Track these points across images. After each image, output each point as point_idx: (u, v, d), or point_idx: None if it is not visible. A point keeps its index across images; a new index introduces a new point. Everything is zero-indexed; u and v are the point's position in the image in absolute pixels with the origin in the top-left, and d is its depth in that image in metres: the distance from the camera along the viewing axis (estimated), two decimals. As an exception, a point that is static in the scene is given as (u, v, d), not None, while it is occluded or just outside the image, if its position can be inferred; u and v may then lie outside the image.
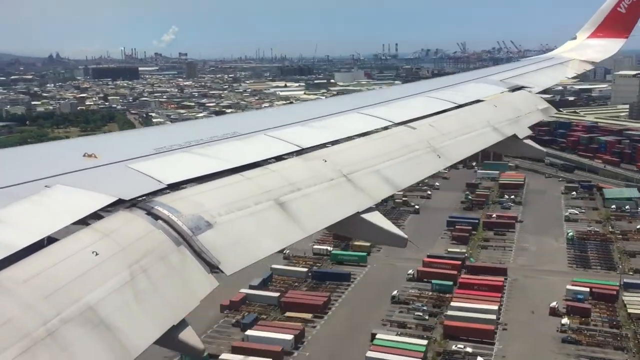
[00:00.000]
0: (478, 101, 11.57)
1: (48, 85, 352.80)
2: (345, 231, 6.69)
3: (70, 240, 4.35)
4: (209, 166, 6.13)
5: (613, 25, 19.16)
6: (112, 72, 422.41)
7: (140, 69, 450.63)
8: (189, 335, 4.32)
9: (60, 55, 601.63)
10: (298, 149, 7.21)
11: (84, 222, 4.62)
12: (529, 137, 11.08)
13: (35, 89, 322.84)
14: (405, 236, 6.80)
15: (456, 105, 10.85)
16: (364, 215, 6.48)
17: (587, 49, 18.94)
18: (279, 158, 6.84)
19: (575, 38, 19.97)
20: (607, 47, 19.03)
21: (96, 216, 4.73)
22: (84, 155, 5.97)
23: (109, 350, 3.76)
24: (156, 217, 4.88)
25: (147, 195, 5.19)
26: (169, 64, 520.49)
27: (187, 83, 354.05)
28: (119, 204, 4.95)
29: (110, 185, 5.23)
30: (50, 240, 4.26)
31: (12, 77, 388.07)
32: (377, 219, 6.55)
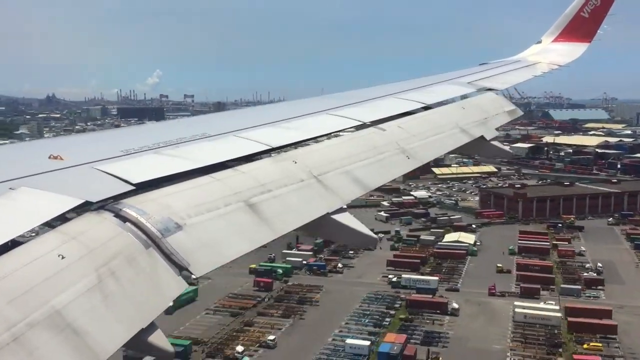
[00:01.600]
0: (446, 102, 11.72)
1: (88, 123, 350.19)
2: (316, 232, 6.71)
3: (35, 243, 4.27)
4: (178, 167, 6.08)
5: (577, 29, 19.54)
6: (138, 112, 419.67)
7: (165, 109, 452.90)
8: (158, 338, 4.28)
9: (57, 96, 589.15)
10: (268, 148, 7.20)
11: (49, 224, 4.54)
12: (495, 138, 11.26)
13: (77, 127, 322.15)
14: (375, 236, 6.85)
15: (425, 106, 10.96)
16: (334, 216, 6.50)
17: (551, 52, 19.29)
18: (249, 159, 6.83)
19: (540, 42, 20.32)
20: (571, 51, 19.40)
21: (62, 219, 4.66)
22: (50, 157, 5.86)
23: (77, 354, 3.70)
24: (124, 219, 4.83)
25: (114, 197, 5.13)
26: (175, 105, 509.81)
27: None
28: (86, 206, 4.88)
29: (76, 187, 5.15)
30: (15, 243, 4.17)
31: (40, 115, 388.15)
32: (347, 219, 6.58)
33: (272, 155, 7.12)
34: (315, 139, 8.01)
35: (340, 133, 8.64)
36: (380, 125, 9.18)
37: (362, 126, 9.02)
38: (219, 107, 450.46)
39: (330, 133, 8.39)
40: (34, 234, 4.41)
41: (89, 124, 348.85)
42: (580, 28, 19.44)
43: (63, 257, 4.16)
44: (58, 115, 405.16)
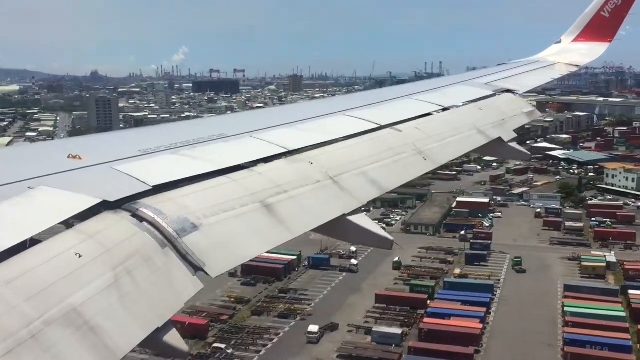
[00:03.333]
0: (464, 104, 11.64)
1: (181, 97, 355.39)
2: (332, 234, 6.70)
3: (53, 242, 4.32)
4: (195, 168, 6.11)
5: (597, 29, 19.33)
6: (213, 85, 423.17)
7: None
8: (173, 338, 4.30)
9: (99, 72, 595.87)
10: (285, 151, 7.21)
11: (67, 223, 4.59)
12: (514, 140, 11.17)
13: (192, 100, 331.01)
14: (392, 238, 6.82)
15: (442, 108, 10.91)
16: (350, 218, 6.49)
17: (571, 52, 19.11)
18: (265, 160, 6.84)
19: (559, 42, 20.14)
20: (591, 51, 19.20)
21: (80, 218, 4.70)
22: (69, 157, 5.93)
23: (93, 352, 3.74)
24: (141, 219, 4.86)
25: (132, 196, 5.17)
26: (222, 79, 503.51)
27: (294, 96, 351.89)
28: (103, 206, 4.93)
29: (94, 186, 5.20)
30: (33, 242, 4.22)
31: (120, 90, 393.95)
32: (363, 221, 6.57)
33: (289, 156, 7.13)
34: (331, 141, 8.00)
35: (357, 134, 8.62)
36: (396, 127, 9.15)
37: (379, 128, 8.99)
38: (296, 81, 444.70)
39: (347, 135, 8.37)
40: (51, 233, 4.46)
41: (181, 97, 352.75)
42: (600, 28, 19.23)
43: (80, 256, 4.20)
44: (138, 90, 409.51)
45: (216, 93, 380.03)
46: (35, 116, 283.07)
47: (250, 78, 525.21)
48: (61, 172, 5.49)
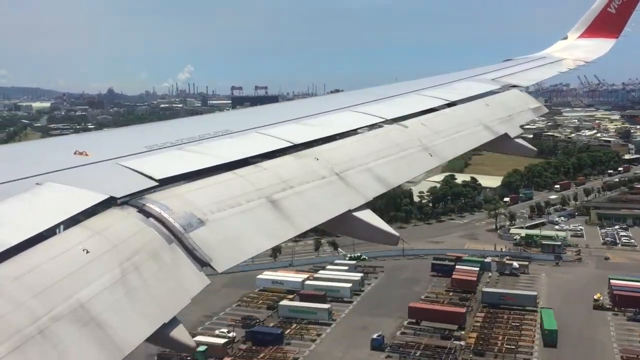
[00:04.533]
0: (470, 99, 11.60)
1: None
2: (337, 229, 6.70)
3: (61, 238, 4.34)
4: (200, 163, 6.11)
5: (603, 25, 19.24)
6: (252, 101, 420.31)
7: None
8: (180, 333, 4.31)
9: (114, 90, 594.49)
10: (290, 146, 7.21)
11: (75, 219, 4.60)
12: (519, 135, 11.13)
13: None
14: (397, 234, 6.81)
15: (448, 103, 10.88)
16: (356, 214, 6.48)
17: (577, 49, 19.02)
18: (271, 156, 6.84)
19: (566, 38, 20.05)
20: (598, 47, 19.11)
21: (87, 214, 4.71)
22: (75, 153, 5.94)
23: (100, 347, 3.75)
24: (148, 214, 4.87)
25: (138, 192, 5.18)
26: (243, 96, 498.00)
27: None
28: (110, 202, 4.94)
29: (101, 182, 5.21)
30: (40, 238, 4.24)
31: (162, 105, 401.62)
32: (369, 217, 6.56)
33: (294, 152, 7.12)
34: (337, 136, 7.99)
35: (363, 130, 8.60)
36: (402, 122, 9.13)
37: (385, 123, 8.97)
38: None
39: (353, 130, 8.36)
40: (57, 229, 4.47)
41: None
42: (607, 24, 19.14)
43: (87, 252, 4.22)
44: (181, 106, 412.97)
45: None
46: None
47: (271, 95, 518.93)
48: (68, 168, 5.50)
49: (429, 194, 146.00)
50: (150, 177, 5.49)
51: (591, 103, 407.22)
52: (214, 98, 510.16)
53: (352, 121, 8.76)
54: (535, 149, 12.24)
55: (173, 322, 4.29)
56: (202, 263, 4.76)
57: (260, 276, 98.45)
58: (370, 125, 8.77)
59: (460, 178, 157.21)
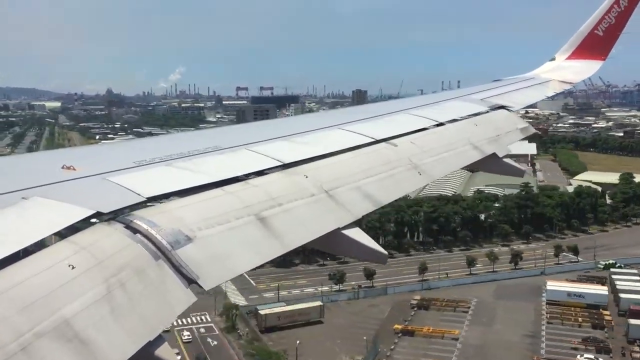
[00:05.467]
0: (459, 119, 11.68)
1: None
2: (326, 247, 6.68)
3: (46, 253, 4.29)
4: (189, 180, 6.09)
5: (591, 47, 19.49)
6: (272, 101, 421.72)
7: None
8: (165, 351, 4.26)
9: (113, 91, 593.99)
10: (280, 164, 7.20)
11: (61, 234, 4.56)
12: (507, 155, 11.20)
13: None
14: (385, 252, 6.80)
15: (437, 123, 10.94)
16: (344, 231, 6.48)
17: (565, 70, 19.24)
18: (260, 173, 6.83)
19: (553, 59, 20.27)
20: (585, 69, 19.34)
21: (74, 229, 4.67)
22: (63, 167, 5.91)
23: None
24: (135, 230, 4.83)
25: (126, 208, 5.15)
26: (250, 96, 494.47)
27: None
28: (97, 217, 4.90)
29: (88, 197, 5.17)
30: (26, 252, 4.19)
31: (183, 105, 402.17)
32: (357, 235, 6.55)
33: (284, 169, 7.12)
34: (327, 155, 7.99)
35: (352, 148, 8.62)
36: (392, 141, 9.16)
37: (374, 142, 9.00)
38: (360, 95, 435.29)
39: (342, 149, 8.37)
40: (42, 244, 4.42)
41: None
42: (594, 46, 19.39)
43: (73, 267, 4.17)
44: (202, 105, 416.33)
45: (279, 107, 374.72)
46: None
47: (293, 94, 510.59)
48: (55, 182, 5.46)
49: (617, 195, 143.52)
50: (138, 193, 5.46)
51: (609, 104, 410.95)
52: (228, 99, 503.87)
53: (342, 139, 8.78)
54: (523, 169, 12.33)
55: (158, 340, 4.25)
56: (189, 280, 4.72)
57: (551, 287, 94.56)
58: (359, 144, 8.79)
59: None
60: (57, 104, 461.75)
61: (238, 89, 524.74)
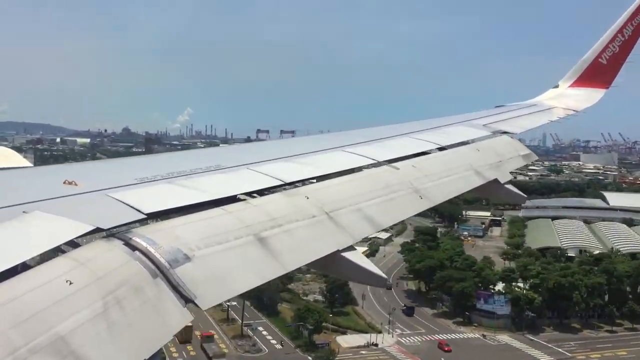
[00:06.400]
0: (461, 144, 11.70)
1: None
2: (325, 269, 6.66)
3: (44, 268, 4.29)
4: (190, 198, 6.10)
5: (594, 75, 19.58)
6: None
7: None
8: None
9: (130, 129, 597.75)
10: (281, 183, 7.21)
11: (60, 249, 4.55)
12: (509, 182, 11.20)
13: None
14: (385, 276, 6.78)
15: (439, 147, 10.96)
16: (344, 254, 6.46)
17: (568, 97, 19.31)
18: (261, 193, 6.83)
19: (557, 86, 20.36)
20: (588, 97, 19.41)
21: (73, 244, 4.67)
22: (65, 182, 5.92)
23: None
24: (134, 247, 4.83)
25: (125, 225, 5.15)
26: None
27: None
28: (97, 233, 4.90)
29: (89, 213, 5.18)
30: (24, 267, 4.18)
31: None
32: (357, 257, 6.54)
33: (285, 190, 7.12)
34: (328, 176, 8.01)
35: (354, 170, 8.63)
36: (394, 164, 9.17)
37: (376, 164, 9.01)
38: None
39: (344, 170, 8.38)
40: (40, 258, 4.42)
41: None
42: (598, 74, 19.49)
43: (71, 283, 4.16)
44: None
45: None
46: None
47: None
48: (56, 197, 5.47)
49: None
50: (139, 210, 5.47)
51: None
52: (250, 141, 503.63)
53: (344, 161, 8.80)
54: (524, 195, 12.33)
55: (153, 358, 4.22)
56: (186, 299, 4.70)
57: None
58: (361, 166, 8.81)
59: None
60: (86, 140, 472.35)
61: (259, 131, 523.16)
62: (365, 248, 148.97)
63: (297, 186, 7.34)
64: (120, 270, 4.54)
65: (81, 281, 4.22)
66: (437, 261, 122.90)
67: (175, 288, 4.71)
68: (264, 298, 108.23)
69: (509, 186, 11.16)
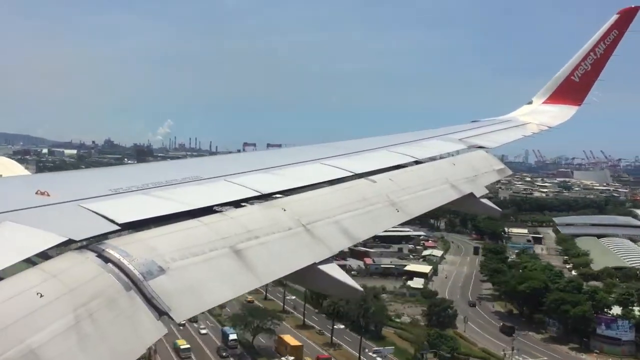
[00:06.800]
0: (437, 158, 11.80)
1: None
2: (301, 282, 6.63)
3: (14, 280, 4.19)
4: (166, 209, 6.03)
5: (567, 92, 19.95)
6: None
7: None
8: None
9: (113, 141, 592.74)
10: (258, 194, 7.18)
11: (31, 261, 4.46)
12: (485, 196, 11.31)
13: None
14: (361, 289, 6.77)
15: (416, 160, 11.04)
16: (321, 267, 6.43)
17: (542, 114, 19.62)
18: (238, 204, 6.79)
19: (531, 102, 20.69)
20: (561, 113, 19.74)
21: (44, 256, 4.58)
22: (37, 193, 5.81)
23: None
24: (107, 259, 4.75)
25: (99, 236, 5.06)
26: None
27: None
28: (69, 244, 4.81)
29: (61, 224, 5.08)
30: None
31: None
32: (334, 270, 6.51)
33: (262, 202, 7.09)
34: (305, 188, 7.99)
35: (331, 183, 8.63)
36: (371, 177, 9.20)
37: (353, 177, 9.03)
38: None
39: (321, 182, 8.38)
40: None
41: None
42: (570, 91, 19.85)
43: (42, 296, 4.07)
44: None
45: None
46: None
47: None
48: (28, 208, 5.37)
49: None
50: (113, 221, 5.39)
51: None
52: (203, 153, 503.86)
53: (321, 174, 8.80)
54: (499, 209, 12.45)
55: None
56: (160, 312, 4.63)
57: None
58: (339, 179, 8.82)
59: None
60: (73, 152, 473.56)
61: (245, 144, 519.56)
62: (428, 268, 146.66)
63: (275, 198, 7.31)
64: (92, 282, 4.46)
65: (52, 293, 4.14)
66: (542, 282, 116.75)
67: (149, 301, 4.64)
68: (367, 321, 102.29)
69: (485, 200, 11.27)
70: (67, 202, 5.73)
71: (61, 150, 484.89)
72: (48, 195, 5.79)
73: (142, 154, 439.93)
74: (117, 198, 6.13)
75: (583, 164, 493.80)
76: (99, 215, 5.47)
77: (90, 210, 5.57)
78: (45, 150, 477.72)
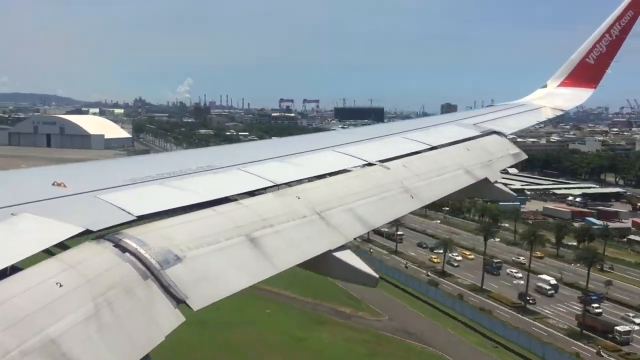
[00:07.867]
0: (451, 144, 11.74)
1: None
2: (317, 269, 6.65)
3: (34, 270, 4.25)
4: (181, 199, 6.07)
5: (582, 75, 19.69)
6: (356, 113, 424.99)
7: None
8: None
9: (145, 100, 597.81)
10: (272, 184, 7.20)
11: (49, 252, 4.52)
12: (499, 181, 11.26)
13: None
14: (377, 275, 6.78)
15: (430, 146, 10.99)
16: (336, 254, 6.45)
17: (556, 97, 19.41)
18: (252, 193, 6.81)
19: (545, 86, 20.45)
20: (576, 96, 19.52)
21: (62, 246, 4.64)
22: (54, 184, 5.88)
23: None
24: (124, 249, 4.80)
25: (115, 226, 5.11)
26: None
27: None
28: (86, 235, 4.86)
29: (78, 215, 5.14)
30: (13, 269, 4.15)
31: (273, 115, 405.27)
32: (349, 257, 6.53)
33: (276, 190, 7.11)
34: (319, 177, 8.00)
35: (345, 170, 8.63)
36: (385, 164, 9.18)
37: (367, 164, 9.02)
38: (450, 108, 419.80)
39: (335, 170, 8.38)
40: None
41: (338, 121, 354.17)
42: (585, 74, 19.59)
43: (61, 285, 4.13)
44: (293, 115, 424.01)
45: (359, 119, 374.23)
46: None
47: (377, 107, 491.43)
48: (45, 199, 5.43)
49: None
50: (129, 212, 5.44)
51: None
52: (273, 111, 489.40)
53: (335, 161, 8.79)
54: (514, 193, 12.39)
55: None
56: (177, 300, 4.68)
57: None
58: (352, 166, 8.81)
59: None
60: (121, 111, 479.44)
61: (282, 100, 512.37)
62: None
63: (289, 186, 7.33)
64: (110, 272, 4.51)
65: (71, 283, 4.19)
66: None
67: (167, 289, 4.69)
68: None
69: (499, 185, 11.22)
70: (84, 193, 5.79)
71: (111, 110, 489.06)
72: (65, 186, 5.86)
73: (200, 111, 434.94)
74: (133, 188, 6.18)
75: (631, 113, 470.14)
76: (115, 206, 5.52)
77: (107, 201, 5.63)
78: (97, 110, 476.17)
